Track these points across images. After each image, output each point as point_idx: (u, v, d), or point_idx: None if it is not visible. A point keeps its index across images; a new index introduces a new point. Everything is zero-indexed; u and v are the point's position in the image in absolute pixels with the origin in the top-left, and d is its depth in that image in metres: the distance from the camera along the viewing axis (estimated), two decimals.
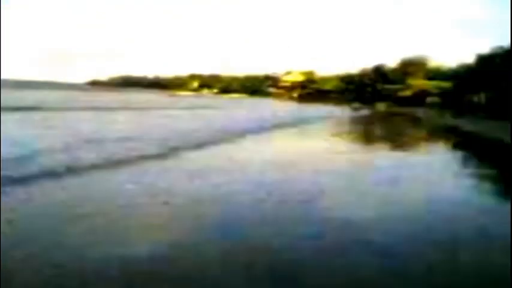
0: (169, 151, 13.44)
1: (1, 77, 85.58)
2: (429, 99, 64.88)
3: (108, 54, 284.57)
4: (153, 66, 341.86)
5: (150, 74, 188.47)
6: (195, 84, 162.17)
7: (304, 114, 38.75)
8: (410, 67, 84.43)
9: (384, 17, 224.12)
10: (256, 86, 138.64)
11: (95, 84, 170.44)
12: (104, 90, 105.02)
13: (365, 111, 53.87)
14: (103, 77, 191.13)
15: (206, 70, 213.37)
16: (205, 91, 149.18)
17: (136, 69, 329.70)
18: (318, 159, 13.91)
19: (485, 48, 55.81)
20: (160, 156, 12.52)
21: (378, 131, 30.91)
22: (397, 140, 23.37)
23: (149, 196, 7.75)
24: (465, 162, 15.79)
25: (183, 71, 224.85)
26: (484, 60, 53.61)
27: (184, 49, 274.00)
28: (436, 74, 77.54)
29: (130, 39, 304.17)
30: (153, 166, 11.06)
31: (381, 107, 66.52)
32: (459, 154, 18.45)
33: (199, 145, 15.23)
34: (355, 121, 37.83)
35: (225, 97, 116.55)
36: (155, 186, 8.55)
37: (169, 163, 11.83)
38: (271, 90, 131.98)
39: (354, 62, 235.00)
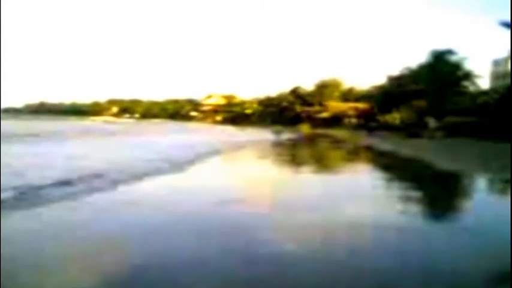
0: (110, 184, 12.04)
1: None
2: (346, 120, 68.61)
3: (23, 80, 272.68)
4: (69, 92, 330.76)
5: (66, 100, 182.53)
6: (115, 109, 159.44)
7: (234, 139, 39.20)
8: (325, 89, 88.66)
9: (298, 39, 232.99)
10: (177, 110, 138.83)
11: (9, 112, 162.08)
12: (15, 118, 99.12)
13: (291, 134, 55.08)
14: (18, 104, 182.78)
15: (125, 95, 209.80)
16: (125, 116, 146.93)
17: (52, 96, 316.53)
18: (253, 187, 13.28)
19: (395, 70, 60.11)
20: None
21: (308, 153, 32.08)
22: (324, 162, 24.90)
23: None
24: (385, 180, 16.67)
25: (101, 97, 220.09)
26: (394, 81, 57.95)
27: (101, 74, 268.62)
28: (350, 96, 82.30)
29: (46, 64, 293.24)
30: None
31: (304, 128, 69.03)
32: (379, 172, 19.80)
33: (136, 177, 13.55)
34: (286, 145, 38.96)
35: (148, 122, 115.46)
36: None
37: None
38: (194, 114, 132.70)
39: (272, 84, 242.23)
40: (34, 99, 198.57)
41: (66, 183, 11.55)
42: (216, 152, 25.34)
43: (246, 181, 14.92)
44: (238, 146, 32.00)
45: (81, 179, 12.36)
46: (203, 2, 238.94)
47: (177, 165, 17.15)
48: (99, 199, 10.32)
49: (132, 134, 45.58)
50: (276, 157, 25.60)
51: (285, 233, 7.53)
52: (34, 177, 12.02)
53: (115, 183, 12.26)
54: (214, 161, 21.61)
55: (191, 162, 18.84)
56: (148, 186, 12.59)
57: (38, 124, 61.80)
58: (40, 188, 10.82)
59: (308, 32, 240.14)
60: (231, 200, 10.44)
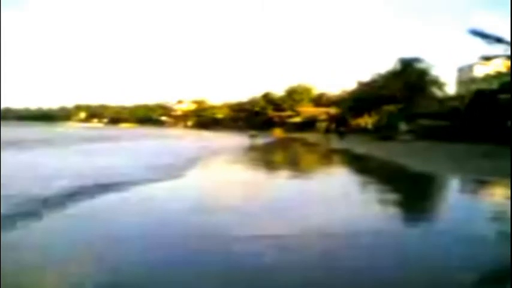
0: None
1: None
2: (319, 125, 69.65)
3: None
4: (35, 98, 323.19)
5: (32, 106, 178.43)
6: (82, 114, 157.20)
7: (212, 145, 38.90)
8: (296, 95, 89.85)
9: (268, 45, 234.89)
10: (147, 115, 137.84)
11: None
12: None
13: (265, 139, 55.52)
14: None
15: (93, 100, 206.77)
16: (94, 121, 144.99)
17: (17, 101, 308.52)
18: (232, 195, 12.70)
19: (365, 76, 61.73)
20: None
21: (286, 157, 32.17)
22: (302, 166, 25.14)
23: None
24: (360, 182, 17.10)
25: (68, 102, 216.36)
26: (364, 86, 59.42)
27: (68, 79, 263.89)
28: (321, 101, 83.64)
29: (9, 69, 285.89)
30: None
31: (278, 132, 69.64)
32: (353, 175, 20.44)
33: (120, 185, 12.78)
34: (263, 148, 39.09)
35: (118, 127, 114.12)
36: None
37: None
38: (164, 119, 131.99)
39: (243, 90, 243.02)
40: None
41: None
42: (197, 159, 24.59)
43: (230, 185, 14.87)
44: (217, 151, 31.88)
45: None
46: (171, 7, 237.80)
47: (165, 172, 16.71)
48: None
49: (111, 140, 44.74)
50: (255, 162, 25.73)
51: (267, 237, 7.53)
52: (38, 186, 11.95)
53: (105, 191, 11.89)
54: (202, 166, 21.24)
55: (179, 169, 18.15)
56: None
57: (21, 131, 59.56)
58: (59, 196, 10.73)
59: (278, 38, 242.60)
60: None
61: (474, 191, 14.39)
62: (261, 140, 51.95)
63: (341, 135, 49.64)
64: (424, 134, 37.94)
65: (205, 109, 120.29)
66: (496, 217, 10.06)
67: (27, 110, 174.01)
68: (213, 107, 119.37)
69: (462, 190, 15.34)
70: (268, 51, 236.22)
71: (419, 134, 39.19)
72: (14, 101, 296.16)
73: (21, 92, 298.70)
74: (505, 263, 6.30)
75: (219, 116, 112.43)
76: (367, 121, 56.87)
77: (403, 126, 43.76)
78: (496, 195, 13.75)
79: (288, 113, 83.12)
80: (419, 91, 52.63)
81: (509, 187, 13.95)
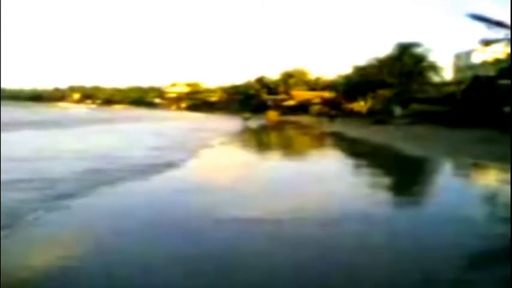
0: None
1: None
2: (312, 108, 69.26)
3: None
4: (29, 79, 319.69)
5: (26, 87, 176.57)
6: (76, 96, 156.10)
7: (210, 126, 38.92)
8: (291, 78, 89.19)
9: (264, 28, 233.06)
10: (141, 97, 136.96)
11: None
12: None
13: (259, 121, 55.41)
14: None
15: (87, 82, 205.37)
16: (88, 102, 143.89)
17: (12, 82, 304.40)
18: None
19: (362, 60, 60.95)
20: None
21: (279, 140, 32.09)
22: (296, 149, 25.08)
23: None
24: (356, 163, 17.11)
25: (62, 83, 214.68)
26: (360, 71, 58.78)
27: (62, 60, 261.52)
28: (317, 85, 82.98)
29: (3, 50, 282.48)
30: None
31: (272, 115, 69.46)
32: (347, 158, 20.28)
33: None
34: (257, 130, 39.05)
35: (112, 108, 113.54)
36: None
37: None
38: (158, 101, 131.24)
39: (237, 74, 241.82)
40: None
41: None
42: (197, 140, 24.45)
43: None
44: (211, 132, 31.67)
45: None
46: None
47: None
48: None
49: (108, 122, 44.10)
50: (248, 143, 25.62)
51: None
52: None
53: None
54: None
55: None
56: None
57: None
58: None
59: (274, 22, 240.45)
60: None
61: (466, 175, 14.17)
62: (254, 123, 51.88)
63: (331, 118, 49.88)
64: (419, 119, 37.51)
65: (199, 92, 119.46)
66: (487, 199, 9.93)
67: (21, 91, 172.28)
68: (206, 90, 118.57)
69: (454, 173, 15.06)
70: (265, 35, 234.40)
71: (414, 118, 38.73)
72: (8, 82, 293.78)
73: (16, 72, 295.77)
74: (493, 242, 6.42)
75: (213, 98, 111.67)
76: (361, 105, 56.40)
77: (397, 111, 43.22)
78: (488, 178, 13.50)
79: (282, 96, 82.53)
80: (416, 76, 52.10)
81: (502, 170, 13.73)
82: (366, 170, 14.80)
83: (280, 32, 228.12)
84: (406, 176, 13.91)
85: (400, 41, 55.43)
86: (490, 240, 6.51)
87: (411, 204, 9.48)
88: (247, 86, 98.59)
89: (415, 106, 41.82)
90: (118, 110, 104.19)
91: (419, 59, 53.98)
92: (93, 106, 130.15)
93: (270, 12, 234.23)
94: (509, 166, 13.67)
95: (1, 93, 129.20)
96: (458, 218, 7.84)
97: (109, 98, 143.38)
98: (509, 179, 12.19)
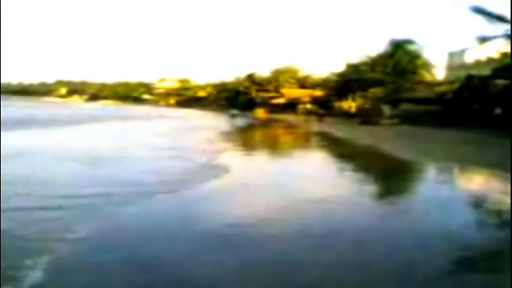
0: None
1: None
2: (301, 106, 67.77)
3: None
4: (16, 73, 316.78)
5: (13, 81, 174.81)
6: (63, 90, 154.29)
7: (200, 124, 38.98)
8: (281, 76, 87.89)
9: (255, 25, 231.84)
10: (129, 93, 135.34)
11: None
12: None
13: (246, 119, 54.29)
14: None
15: (74, 76, 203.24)
16: (74, 97, 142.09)
17: None
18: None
19: (355, 58, 59.69)
20: None
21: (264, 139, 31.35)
22: (279, 151, 24.10)
23: None
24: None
25: (50, 78, 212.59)
26: (352, 68, 57.46)
27: (49, 55, 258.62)
28: (307, 83, 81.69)
29: None
30: None
31: (260, 113, 68.19)
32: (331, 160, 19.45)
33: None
34: (242, 129, 38.23)
35: (98, 103, 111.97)
36: None
37: None
38: (146, 97, 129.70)
39: (227, 70, 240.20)
40: None
41: None
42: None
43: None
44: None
45: None
46: None
47: None
48: None
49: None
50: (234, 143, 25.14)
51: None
52: None
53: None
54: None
55: None
56: None
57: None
58: None
59: (266, 17, 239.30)
60: None
61: (447, 181, 13.42)
62: (241, 121, 51.26)
63: (320, 117, 48.44)
64: (409, 119, 36.30)
65: (188, 88, 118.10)
66: (466, 206, 9.60)
67: (8, 85, 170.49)
68: (196, 86, 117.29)
69: (436, 179, 14.02)
70: (256, 32, 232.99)
71: (404, 118, 37.49)
72: None
73: (2, 66, 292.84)
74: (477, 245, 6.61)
75: (202, 94, 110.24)
76: (350, 104, 54.99)
77: (387, 110, 41.73)
78: (472, 184, 13.02)
79: (272, 94, 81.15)
80: (409, 74, 51.00)
81: (488, 176, 13.24)
82: (343, 173, 14.33)
83: (272, 29, 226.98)
84: (386, 181, 13.57)
85: (393, 37, 54.40)
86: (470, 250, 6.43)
87: (384, 211, 9.16)
88: (236, 83, 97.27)
89: (405, 106, 40.64)
90: (105, 105, 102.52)
91: (413, 56, 52.84)
92: (80, 100, 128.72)
93: (262, 9, 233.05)
94: (495, 172, 13.30)
95: None
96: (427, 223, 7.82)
97: (96, 93, 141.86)
98: (495, 185, 11.84)
